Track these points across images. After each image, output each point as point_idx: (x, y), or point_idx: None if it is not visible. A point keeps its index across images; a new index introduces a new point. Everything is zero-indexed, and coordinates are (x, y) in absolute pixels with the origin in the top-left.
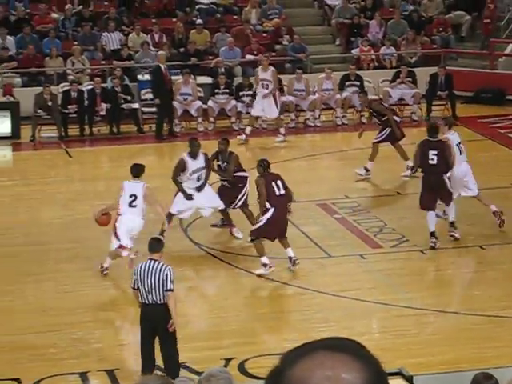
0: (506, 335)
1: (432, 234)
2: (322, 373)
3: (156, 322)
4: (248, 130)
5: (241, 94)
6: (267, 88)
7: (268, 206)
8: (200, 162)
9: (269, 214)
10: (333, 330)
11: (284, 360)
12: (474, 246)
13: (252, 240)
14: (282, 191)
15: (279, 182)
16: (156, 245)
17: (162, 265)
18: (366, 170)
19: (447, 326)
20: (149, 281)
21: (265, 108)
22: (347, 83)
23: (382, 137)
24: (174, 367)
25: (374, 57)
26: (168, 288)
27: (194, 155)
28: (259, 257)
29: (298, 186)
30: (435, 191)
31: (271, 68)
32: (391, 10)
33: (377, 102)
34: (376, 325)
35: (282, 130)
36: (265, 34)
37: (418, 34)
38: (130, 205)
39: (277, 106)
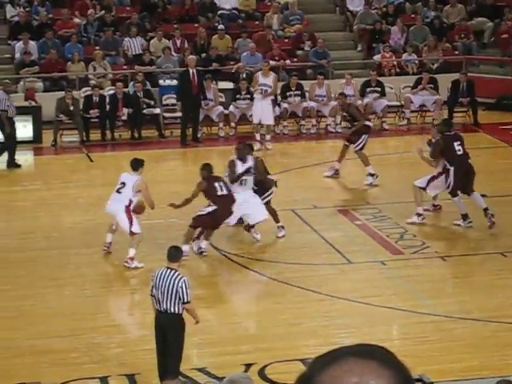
0: None
1: (465, 216)
2: (351, 380)
3: (166, 330)
4: (258, 136)
5: None
6: (266, 93)
7: (211, 203)
8: (248, 165)
9: (210, 209)
10: (353, 337)
11: (312, 366)
12: (495, 253)
13: (191, 226)
14: (225, 192)
15: (222, 184)
16: (174, 254)
17: (178, 275)
18: (371, 175)
19: (468, 332)
20: (163, 289)
21: (262, 113)
22: (368, 89)
23: (362, 143)
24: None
25: (395, 63)
26: (184, 301)
27: (242, 158)
28: (185, 242)
29: (318, 192)
30: (466, 178)
31: (272, 73)
32: (413, 16)
33: (353, 107)
34: (396, 331)
35: (268, 137)
36: (286, 40)
37: (439, 40)
38: (117, 191)
39: (273, 113)
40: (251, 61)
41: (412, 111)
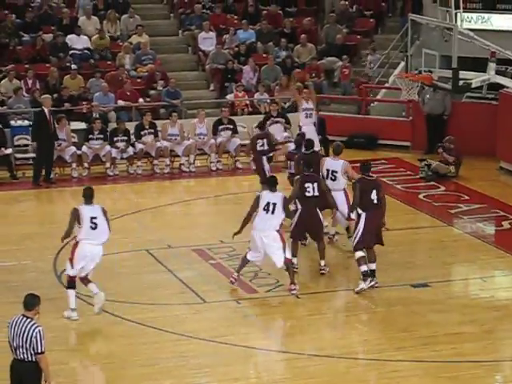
0: (381, 378)
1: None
2: None
3: (22, 378)
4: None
5: (115, 139)
6: (311, 117)
7: None
8: None
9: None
10: (208, 376)
11: None
12: (347, 290)
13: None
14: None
15: None
16: (30, 302)
17: (33, 324)
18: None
19: (322, 369)
20: (18, 338)
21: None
22: (221, 127)
23: None
24: None
25: (248, 102)
26: (38, 351)
27: None
28: None
29: (173, 232)
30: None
31: (311, 97)
32: (265, 55)
33: None
34: (252, 370)
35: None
36: (139, 80)
37: (291, 79)
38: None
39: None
40: (104, 101)
41: None
